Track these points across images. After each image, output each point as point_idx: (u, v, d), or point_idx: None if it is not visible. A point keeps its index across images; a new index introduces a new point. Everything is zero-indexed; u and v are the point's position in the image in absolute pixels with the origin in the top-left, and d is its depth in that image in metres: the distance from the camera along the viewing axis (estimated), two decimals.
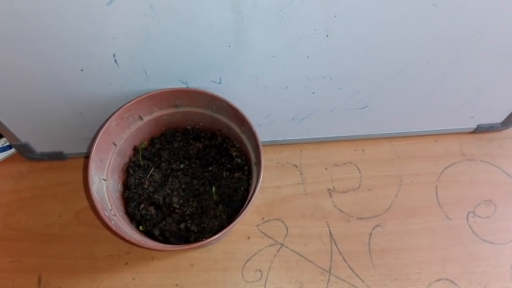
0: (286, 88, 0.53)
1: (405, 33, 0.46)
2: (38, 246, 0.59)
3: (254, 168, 0.51)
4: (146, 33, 0.43)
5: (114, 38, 0.43)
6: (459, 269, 0.57)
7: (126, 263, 0.58)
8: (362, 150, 0.66)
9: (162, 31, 0.43)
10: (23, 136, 0.59)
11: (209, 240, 0.44)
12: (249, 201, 0.47)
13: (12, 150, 0.64)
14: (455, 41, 0.48)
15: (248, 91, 0.53)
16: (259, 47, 0.46)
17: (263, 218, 0.61)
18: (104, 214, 0.45)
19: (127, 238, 0.44)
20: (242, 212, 0.46)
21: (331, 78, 0.52)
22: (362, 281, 0.56)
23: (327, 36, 0.45)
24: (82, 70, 0.48)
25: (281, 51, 0.47)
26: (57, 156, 0.64)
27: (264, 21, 0.43)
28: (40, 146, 0.62)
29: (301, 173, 0.64)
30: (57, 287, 0.57)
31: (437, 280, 0.57)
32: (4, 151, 0.64)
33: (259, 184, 0.47)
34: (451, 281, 0.57)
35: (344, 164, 0.65)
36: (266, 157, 0.65)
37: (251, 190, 0.50)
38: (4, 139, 0.63)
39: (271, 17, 0.42)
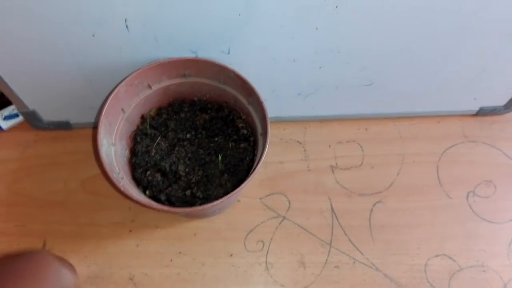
0: (294, 61, 0.54)
1: (414, 8, 0.47)
2: (43, 212, 0.60)
3: (260, 138, 0.52)
4: None
5: (126, 2, 0.44)
6: (457, 246, 0.58)
7: (130, 231, 0.59)
8: (366, 129, 0.67)
9: None
10: (31, 104, 0.59)
11: (214, 203, 0.45)
12: (255, 168, 0.48)
13: (20, 119, 0.65)
14: (462, 17, 0.48)
15: (256, 63, 0.54)
16: (269, 16, 0.47)
17: (266, 192, 0.62)
18: (113, 175, 0.46)
19: (135, 198, 0.45)
20: (248, 178, 0.47)
21: (338, 52, 0.52)
22: (362, 254, 0.58)
23: (336, 7, 0.46)
24: (93, 35, 0.48)
25: (290, 21, 0.47)
26: (64, 126, 0.64)
27: None
28: (47, 115, 0.62)
29: (304, 150, 0.65)
30: (62, 251, 0.58)
31: (436, 256, 0.58)
32: (12, 118, 0.64)
33: (265, 153, 0.48)
34: (450, 257, 0.58)
35: (347, 142, 0.66)
36: (271, 133, 0.65)
37: (257, 159, 0.51)
38: (12, 107, 0.63)
39: None
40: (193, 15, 0.47)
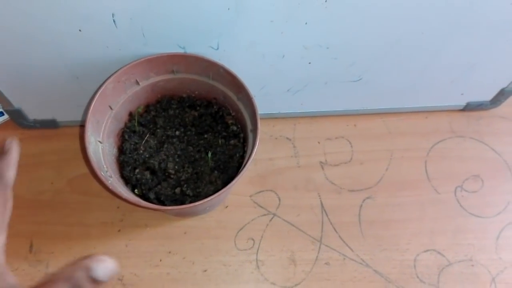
0: (283, 57, 0.53)
1: (402, 3, 0.47)
2: (30, 212, 0.59)
3: (250, 135, 0.52)
4: None
5: None
6: (446, 241, 0.59)
7: (119, 230, 0.58)
8: (355, 125, 0.67)
9: None
10: (16, 102, 0.58)
11: (204, 201, 0.44)
12: (245, 165, 0.47)
13: (5, 117, 0.64)
14: (450, 13, 0.48)
15: (245, 59, 0.53)
16: (258, 11, 0.46)
17: (256, 189, 0.61)
18: (101, 174, 0.45)
19: (124, 197, 0.44)
20: (238, 175, 0.47)
21: (327, 48, 0.52)
22: (352, 250, 0.58)
23: (325, 1, 0.45)
24: (80, 30, 0.47)
25: (280, 16, 0.47)
26: (50, 124, 0.63)
27: None
28: (33, 113, 0.61)
29: (294, 146, 0.65)
30: (49, 252, 0.57)
31: (425, 251, 0.58)
32: None
33: (255, 149, 0.48)
34: (439, 252, 0.58)
35: (336, 138, 0.66)
36: (260, 130, 0.65)
37: (247, 156, 0.50)
38: None
39: None
40: (181, 10, 0.46)
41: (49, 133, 0.64)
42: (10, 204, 0.35)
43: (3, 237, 0.33)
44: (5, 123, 0.64)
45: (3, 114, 0.63)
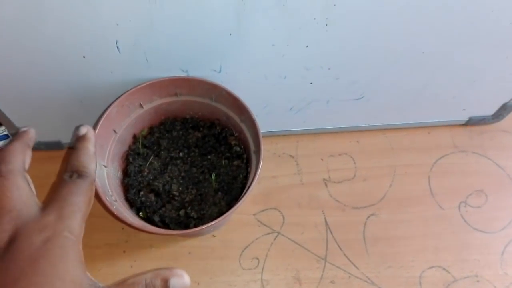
0: (285, 77, 0.54)
1: (401, 23, 0.47)
2: None
3: (253, 156, 0.52)
4: (149, 19, 0.44)
5: (117, 24, 0.44)
6: (451, 257, 0.59)
7: (124, 251, 0.58)
8: (357, 141, 0.67)
9: (165, 18, 0.44)
10: (21, 125, 0.59)
11: (209, 225, 0.45)
12: (249, 187, 0.48)
13: (10, 139, 0.64)
14: (450, 32, 0.49)
15: (247, 81, 0.54)
16: (260, 36, 0.47)
17: (260, 207, 0.61)
18: (106, 199, 0.46)
19: (129, 222, 0.45)
20: (241, 198, 0.47)
21: (329, 68, 0.53)
22: (357, 268, 0.58)
23: (326, 25, 0.46)
24: (84, 57, 0.48)
25: (281, 40, 0.48)
26: (55, 146, 0.64)
27: (266, 9, 0.43)
28: (38, 135, 0.61)
29: (297, 164, 0.65)
30: None
31: (430, 268, 0.58)
32: (2, 139, 0.64)
33: (259, 171, 0.48)
34: (444, 269, 0.58)
35: (339, 155, 0.66)
36: (263, 148, 0.65)
37: (250, 177, 0.51)
38: (2, 128, 0.63)
39: (273, 5, 0.43)
40: (183, 36, 0.47)
41: (54, 154, 0.65)
42: (93, 200, 0.38)
43: (83, 229, 0.36)
44: None
45: (8, 137, 0.64)
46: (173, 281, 0.34)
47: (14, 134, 0.41)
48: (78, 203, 0.35)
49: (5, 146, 0.37)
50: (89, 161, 0.38)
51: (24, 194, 0.35)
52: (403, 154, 0.66)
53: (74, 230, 0.34)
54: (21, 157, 0.37)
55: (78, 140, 0.40)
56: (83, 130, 0.40)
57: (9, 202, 0.34)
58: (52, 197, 0.35)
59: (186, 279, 0.35)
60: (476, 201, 0.63)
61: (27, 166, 0.38)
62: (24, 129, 0.40)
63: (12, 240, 0.32)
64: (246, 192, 0.48)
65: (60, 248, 0.32)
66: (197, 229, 0.45)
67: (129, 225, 0.45)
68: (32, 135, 0.40)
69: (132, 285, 0.33)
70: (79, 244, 0.34)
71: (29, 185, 0.36)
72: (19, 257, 0.31)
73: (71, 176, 0.37)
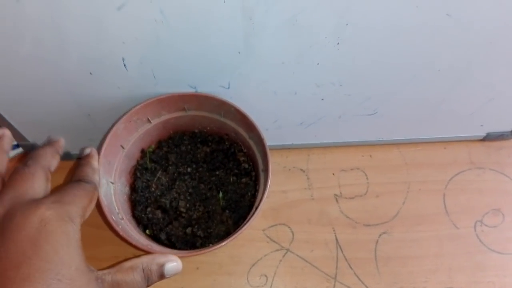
0: (295, 93, 0.53)
1: (417, 42, 0.46)
2: None
3: (261, 175, 0.51)
4: (155, 38, 0.43)
5: (123, 42, 0.43)
6: (465, 279, 0.57)
7: None
8: (370, 156, 0.66)
9: (171, 37, 0.43)
10: (31, 136, 0.59)
11: (214, 247, 0.44)
12: (256, 208, 0.47)
13: (20, 149, 0.64)
14: (468, 51, 0.47)
15: (256, 96, 0.53)
16: (269, 54, 0.46)
17: (269, 223, 0.60)
18: (111, 218, 0.45)
19: (134, 243, 0.44)
20: (248, 220, 0.46)
21: (340, 85, 0.51)
22: None
23: (338, 44, 0.45)
24: (91, 73, 0.47)
25: (291, 58, 0.46)
26: (64, 156, 0.63)
27: (275, 28, 0.42)
28: None
29: (308, 178, 0.64)
30: None
31: None
32: (12, 149, 0.64)
33: (267, 192, 0.47)
34: None
35: (351, 169, 0.65)
36: (273, 161, 0.64)
37: (258, 197, 0.50)
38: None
39: (283, 24, 0.42)
40: (191, 54, 0.46)
41: (63, 165, 0.63)
42: (94, 202, 0.40)
43: (81, 222, 0.36)
44: (21, 154, 0.65)
45: (18, 147, 0.64)
46: (167, 266, 0.37)
47: (46, 142, 0.46)
48: (79, 195, 0.37)
49: (38, 148, 0.42)
50: (93, 172, 0.42)
51: (36, 183, 0.37)
52: (417, 170, 0.64)
53: (73, 216, 0.35)
54: (48, 158, 0.41)
55: (82, 158, 0.44)
56: (87, 151, 0.45)
57: (20, 184, 0.36)
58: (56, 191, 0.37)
59: (179, 264, 0.39)
60: (493, 220, 0.61)
61: (52, 168, 0.41)
62: (56, 138, 0.45)
63: (10, 217, 0.33)
64: (254, 213, 0.47)
65: (61, 233, 0.33)
66: (202, 251, 0.44)
67: (134, 246, 0.44)
68: (62, 143, 0.45)
69: (130, 269, 0.36)
70: (79, 232, 0.35)
71: (46, 180, 0.38)
72: (18, 237, 0.31)
73: (76, 181, 0.40)
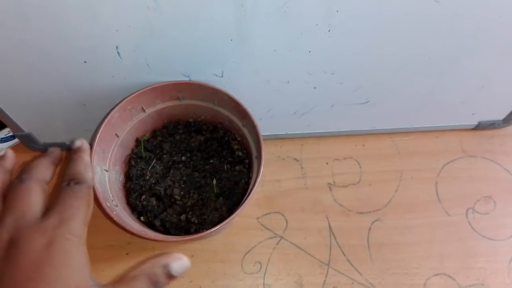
0: (288, 82, 0.53)
1: (407, 29, 0.46)
2: None
3: (254, 162, 0.52)
4: (148, 25, 0.43)
5: (117, 30, 0.44)
6: (457, 265, 0.58)
7: (127, 254, 0.59)
8: (363, 145, 0.66)
9: (164, 24, 0.44)
10: (26, 127, 0.59)
11: (209, 231, 0.45)
12: (249, 194, 0.47)
13: (16, 140, 0.65)
14: (457, 38, 0.48)
15: (249, 85, 0.53)
16: (261, 41, 0.46)
17: (263, 211, 0.61)
18: (106, 204, 0.46)
19: (128, 228, 0.45)
20: (241, 205, 0.47)
21: (332, 73, 0.52)
22: (361, 274, 0.57)
23: (329, 31, 0.45)
24: (85, 62, 0.48)
25: (283, 45, 0.47)
26: (60, 147, 0.64)
27: (267, 15, 0.43)
28: (43, 137, 0.62)
29: (301, 167, 0.65)
30: None
31: (435, 275, 0.57)
32: (7, 141, 0.64)
33: (259, 178, 0.48)
34: (449, 276, 0.57)
35: (344, 158, 0.65)
36: (267, 150, 0.65)
37: (251, 184, 0.50)
38: (7, 129, 0.63)
39: (274, 11, 0.42)
40: (184, 41, 0.46)
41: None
42: (92, 204, 0.39)
43: (85, 231, 0.37)
44: (17, 145, 0.65)
45: (14, 138, 0.64)
46: (173, 266, 0.35)
47: (44, 152, 0.45)
48: (77, 206, 0.36)
49: (34, 159, 0.41)
50: (85, 169, 0.40)
51: (34, 199, 0.36)
52: (409, 159, 0.65)
53: (76, 232, 0.35)
54: (43, 169, 0.40)
55: (73, 152, 0.42)
56: (78, 143, 0.43)
57: (17, 204, 0.35)
58: (52, 203, 0.37)
59: (186, 260, 0.36)
60: (484, 207, 0.62)
61: (48, 179, 0.40)
62: (53, 149, 0.43)
63: (14, 242, 0.33)
64: (246, 198, 0.47)
65: (64, 253, 0.33)
66: (196, 236, 0.45)
67: (129, 232, 0.45)
68: (59, 155, 0.43)
69: (133, 278, 0.34)
70: (83, 246, 0.35)
71: (43, 194, 0.37)
72: (22, 262, 0.32)
73: (68, 184, 0.38)
